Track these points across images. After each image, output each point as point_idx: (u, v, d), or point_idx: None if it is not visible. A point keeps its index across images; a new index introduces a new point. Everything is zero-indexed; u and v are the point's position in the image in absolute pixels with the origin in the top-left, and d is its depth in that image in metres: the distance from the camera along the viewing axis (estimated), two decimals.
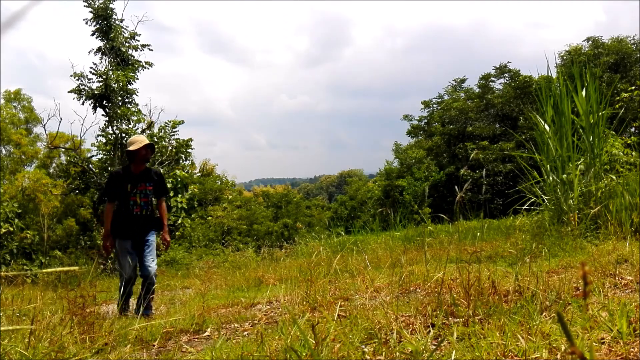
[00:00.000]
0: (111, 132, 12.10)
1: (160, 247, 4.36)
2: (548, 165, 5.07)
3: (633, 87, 13.50)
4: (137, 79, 12.30)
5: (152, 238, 4.46)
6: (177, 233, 13.74)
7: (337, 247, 6.57)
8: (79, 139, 12.68)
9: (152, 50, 12.81)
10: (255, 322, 2.79)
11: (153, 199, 4.60)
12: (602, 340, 1.42)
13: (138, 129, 12.50)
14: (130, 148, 4.44)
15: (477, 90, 22.93)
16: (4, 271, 8.95)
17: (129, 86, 12.10)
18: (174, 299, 4.78)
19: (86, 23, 12.16)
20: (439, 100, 24.26)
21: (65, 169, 13.89)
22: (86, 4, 12.01)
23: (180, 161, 14.41)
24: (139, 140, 4.51)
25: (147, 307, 4.05)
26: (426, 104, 24.75)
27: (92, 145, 12.78)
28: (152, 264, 4.34)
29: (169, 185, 14.21)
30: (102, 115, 12.00)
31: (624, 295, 2.08)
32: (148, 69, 12.62)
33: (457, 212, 7.90)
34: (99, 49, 12.23)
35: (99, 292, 3.73)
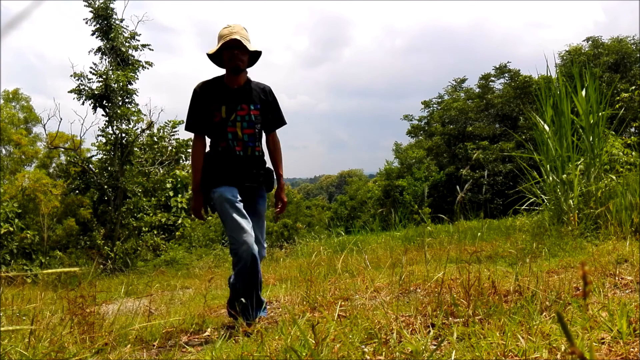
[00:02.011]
0: (111, 132, 12.10)
1: (272, 212, 2.91)
2: (548, 166, 5.07)
3: (633, 87, 13.50)
4: (137, 79, 12.31)
5: (264, 206, 2.98)
6: (177, 233, 13.74)
7: (337, 248, 6.57)
8: (78, 139, 12.69)
9: (152, 50, 12.82)
10: (255, 322, 2.79)
11: (259, 129, 2.93)
12: (602, 340, 1.42)
13: (138, 128, 12.51)
14: (209, 52, 2.87)
15: (477, 90, 22.96)
16: (4, 271, 8.95)
17: (129, 86, 12.09)
18: (174, 299, 4.77)
19: (86, 23, 12.16)
20: (439, 100, 24.30)
21: (65, 169, 13.89)
22: (86, 3, 12.01)
23: (180, 161, 14.42)
24: (223, 35, 2.80)
25: (259, 303, 2.79)
26: (426, 104, 24.78)
27: (92, 145, 12.80)
28: (263, 243, 2.90)
29: (168, 185, 14.21)
30: (102, 115, 12.01)
31: (624, 295, 2.08)
32: (148, 68, 12.63)
33: (457, 212, 7.90)
34: (99, 49, 12.23)
35: (99, 292, 3.72)
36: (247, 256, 2.60)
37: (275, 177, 3.07)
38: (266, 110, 2.96)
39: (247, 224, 2.67)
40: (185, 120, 2.97)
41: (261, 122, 2.94)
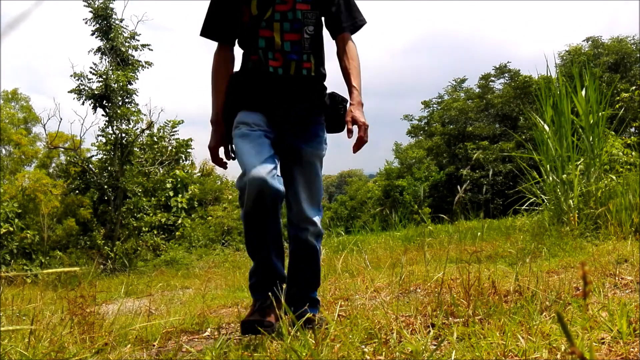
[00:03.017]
0: (111, 132, 12.11)
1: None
2: (548, 166, 5.07)
3: (633, 87, 13.51)
4: (137, 79, 12.33)
5: (317, 151, 2.00)
6: (177, 233, 13.74)
7: (338, 248, 6.57)
8: (78, 139, 12.70)
9: (152, 50, 12.83)
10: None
11: (312, 33, 1.96)
12: (602, 340, 1.42)
13: (138, 128, 12.52)
14: None
15: (477, 90, 22.97)
16: (4, 271, 8.95)
17: (129, 86, 12.11)
18: (173, 299, 4.77)
19: (86, 23, 12.17)
20: (439, 100, 24.30)
21: (65, 169, 13.92)
22: (86, 3, 12.02)
23: (180, 161, 14.43)
24: None
25: (305, 311, 1.79)
26: (426, 104, 24.77)
27: (92, 145, 12.82)
28: (309, 208, 1.96)
29: (168, 185, 14.20)
30: (102, 115, 12.02)
31: (624, 295, 2.08)
32: (148, 68, 12.64)
33: (457, 212, 7.90)
34: (98, 49, 12.24)
35: (99, 292, 3.70)
36: (253, 188, 1.74)
37: (344, 107, 2.01)
38: (326, 3, 1.98)
39: (260, 154, 1.81)
40: (205, 19, 2.04)
41: (315, 22, 1.96)
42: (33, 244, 11.04)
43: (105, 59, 12.17)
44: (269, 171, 1.75)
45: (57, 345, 1.86)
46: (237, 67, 2.12)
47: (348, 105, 1.98)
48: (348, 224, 16.48)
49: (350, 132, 1.89)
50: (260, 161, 1.77)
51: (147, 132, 13.10)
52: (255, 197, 1.76)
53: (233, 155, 2.04)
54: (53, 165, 19.55)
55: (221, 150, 2.10)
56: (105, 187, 11.90)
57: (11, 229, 10.87)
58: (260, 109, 1.93)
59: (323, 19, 2.05)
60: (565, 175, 4.83)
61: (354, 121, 1.90)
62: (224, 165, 2.11)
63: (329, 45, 2.14)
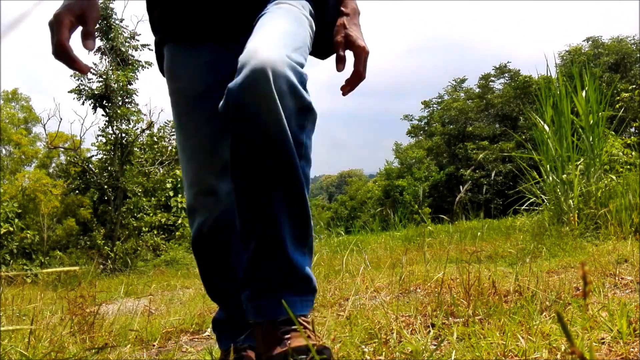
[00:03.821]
0: (111, 132, 12.12)
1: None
2: (548, 166, 5.07)
3: (633, 87, 13.52)
4: (137, 79, 12.34)
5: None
6: (177, 233, 13.74)
7: (339, 248, 6.57)
8: (78, 139, 12.72)
9: (152, 50, 12.80)
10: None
11: None
12: (602, 340, 1.42)
13: (138, 128, 12.53)
14: None
15: (477, 90, 23.01)
16: (4, 271, 8.96)
17: (129, 86, 12.12)
18: (173, 299, 4.77)
19: None
20: (439, 100, 24.36)
21: (65, 169, 13.94)
22: None
23: None
24: None
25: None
26: (426, 104, 24.83)
27: (92, 145, 12.83)
28: (269, 45, 0.97)
29: (168, 185, 14.22)
30: (102, 115, 12.03)
31: (624, 295, 2.08)
32: (148, 68, 12.65)
33: (457, 212, 7.91)
34: (98, 49, 12.24)
35: (99, 292, 3.70)
36: (204, 227, 1.25)
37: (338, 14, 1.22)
38: None
39: (203, 169, 1.22)
40: None
41: None
42: (33, 244, 11.06)
43: (105, 59, 12.18)
44: (214, 206, 1.22)
45: (57, 345, 1.86)
46: None
47: (340, 16, 1.19)
48: (348, 224, 16.48)
49: (342, 60, 1.18)
50: (202, 189, 1.22)
51: (147, 132, 13.11)
52: (209, 241, 1.28)
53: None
54: (53, 165, 19.57)
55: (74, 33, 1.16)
56: (105, 187, 11.90)
57: (11, 229, 10.88)
58: (198, 33, 1.22)
59: None
60: (565, 175, 4.83)
61: (349, 43, 1.17)
62: (79, 67, 1.19)
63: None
